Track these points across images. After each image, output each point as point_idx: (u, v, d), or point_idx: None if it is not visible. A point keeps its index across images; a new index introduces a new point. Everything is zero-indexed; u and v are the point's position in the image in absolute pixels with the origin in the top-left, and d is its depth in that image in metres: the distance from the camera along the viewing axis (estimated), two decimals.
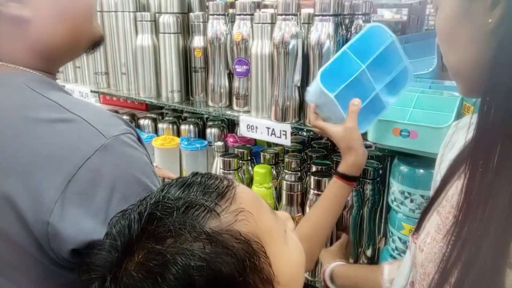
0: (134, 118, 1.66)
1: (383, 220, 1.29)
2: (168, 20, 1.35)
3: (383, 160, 1.32)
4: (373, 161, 1.28)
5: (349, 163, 0.87)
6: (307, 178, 1.26)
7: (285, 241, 0.52)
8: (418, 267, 0.61)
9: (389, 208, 1.13)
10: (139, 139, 0.60)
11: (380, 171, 1.27)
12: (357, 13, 1.24)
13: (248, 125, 1.21)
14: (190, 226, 0.43)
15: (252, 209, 0.48)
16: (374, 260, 1.29)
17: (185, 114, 1.68)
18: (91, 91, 1.63)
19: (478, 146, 0.49)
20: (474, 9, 0.50)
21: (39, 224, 0.50)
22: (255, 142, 1.52)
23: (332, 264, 0.99)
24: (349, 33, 1.17)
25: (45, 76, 0.60)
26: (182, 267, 0.41)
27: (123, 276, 0.42)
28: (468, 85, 0.56)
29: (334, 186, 0.96)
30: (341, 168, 0.91)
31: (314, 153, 1.34)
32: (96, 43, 0.67)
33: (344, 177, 0.93)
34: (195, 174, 0.51)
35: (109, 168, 0.52)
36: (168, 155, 1.48)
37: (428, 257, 0.58)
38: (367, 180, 1.22)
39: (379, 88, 0.97)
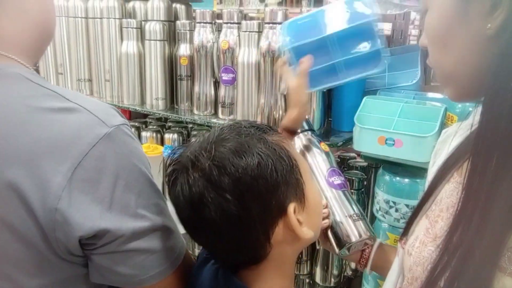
0: None
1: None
2: (154, 27, 1.35)
3: (368, 171, 1.33)
4: (357, 171, 1.28)
5: (291, 117, 0.88)
6: None
7: (311, 177, 0.63)
8: (406, 272, 0.60)
9: (374, 218, 1.13)
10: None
11: (365, 182, 1.27)
12: None
13: None
14: (256, 134, 0.59)
15: (288, 143, 0.61)
16: (358, 273, 1.28)
17: (169, 124, 1.66)
18: None
19: (477, 153, 0.47)
20: (471, 12, 0.48)
21: (46, 211, 0.50)
22: None
23: (377, 242, 0.85)
24: None
25: (32, 70, 0.59)
26: (257, 150, 0.56)
27: (216, 149, 0.55)
28: (460, 90, 0.55)
29: None
30: (284, 122, 0.90)
31: None
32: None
33: (287, 130, 0.92)
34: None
35: (113, 156, 0.53)
36: (152, 163, 1.45)
37: (417, 261, 0.57)
38: (352, 191, 1.22)
39: (339, 58, 0.93)
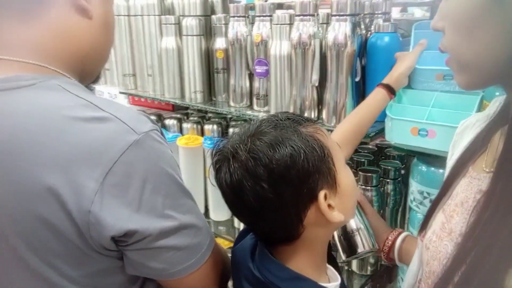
0: (160, 118, 1.71)
1: (406, 221, 1.28)
2: (190, 23, 1.39)
3: (405, 161, 1.31)
4: (394, 161, 1.26)
5: (393, 76, 1.01)
6: None
7: (345, 165, 0.67)
8: (424, 265, 0.61)
9: (409, 209, 1.12)
10: (162, 134, 0.66)
11: (402, 171, 1.26)
12: (377, 12, 1.24)
13: None
14: (290, 127, 0.63)
15: (323, 134, 0.65)
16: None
17: (209, 114, 1.71)
18: (120, 92, 1.69)
19: (508, 154, 0.47)
20: (506, 3, 0.47)
21: (81, 213, 0.55)
22: None
23: (402, 235, 0.90)
24: (369, 32, 1.17)
25: (73, 81, 0.65)
26: (290, 142, 0.60)
27: (253, 142, 0.61)
28: (475, 79, 0.53)
29: (377, 94, 1.01)
30: (385, 80, 1.02)
31: None
32: (97, 77, 0.76)
33: (387, 87, 1.01)
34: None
35: (141, 162, 0.58)
36: (192, 154, 1.52)
37: (433, 255, 0.58)
38: (388, 180, 1.21)
39: None
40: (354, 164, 1.27)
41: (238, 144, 0.62)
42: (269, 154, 0.59)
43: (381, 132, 1.08)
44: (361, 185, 1.17)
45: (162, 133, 0.65)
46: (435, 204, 0.63)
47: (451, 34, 0.53)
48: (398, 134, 1.00)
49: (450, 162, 0.67)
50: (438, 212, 0.62)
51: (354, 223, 0.86)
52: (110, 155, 0.55)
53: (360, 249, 0.85)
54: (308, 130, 0.64)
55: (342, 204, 0.64)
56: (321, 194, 0.61)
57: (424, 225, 0.64)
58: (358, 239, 0.85)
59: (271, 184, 0.59)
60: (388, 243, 0.87)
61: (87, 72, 0.71)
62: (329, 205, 0.62)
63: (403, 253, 0.85)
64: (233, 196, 0.64)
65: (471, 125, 0.66)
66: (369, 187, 1.16)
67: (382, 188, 1.21)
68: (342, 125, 1.01)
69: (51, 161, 0.55)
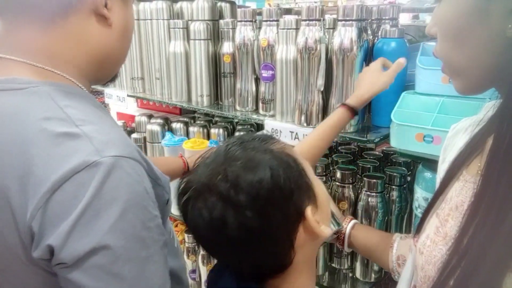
0: (167, 122, 1.72)
1: (411, 228, 1.26)
2: (198, 27, 1.40)
3: (411, 167, 1.29)
4: (400, 167, 1.25)
5: (363, 98, 0.98)
6: (332, 183, 1.26)
7: (314, 175, 0.65)
8: (418, 270, 0.60)
9: (414, 215, 1.11)
10: (144, 167, 0.60)
11: (408, 178, 1.24)
12: (384, 17, 1.24)
13: (272, 129, 1.23)
14: (260, 146, 0.61)
15: (290, 148, 0.63)
16: None
17: (216, 119, 1.72)
18: (128, 95, 1.71)
19: (495, 155, 0.48)
20: (492, 11, 0.48)
21: (24, 226, 0.54)
22: None
23: (352, 222, 0.97)
24: (376, 37, 1.16)
25: (75, 87, 0.65)
26: (266, 162, 0.58)
27: (228, 169, 0.57)
28: (468, 84, 0.54)
29: (341, 115, 0.99)
30: (352, 101, 0.99)
31: (340, 158, 1.34)
32: (115, 76, 0.75)
33: (351, 108, 0.99)
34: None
35: (94, 186, 0.53)
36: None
37: (428, 260, 0.57)
38: (394, 187, 1.20)
39: None
40: (360, 170, 1.26)
41: (211, 175, 0.58)
42: (249, 178, 0.56)
43: (386, 138, 1.07)
44: (366, 191, 1.16)
45: (144, 166, 0.60)
46: (429, 208, 0.63)
47: (442, 40, 0.55)
48: (403, 140, 0.99)
49: (443, 166, 0.67)
50: (432, 216, 0.61)
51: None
52: (63, 172, 0.53)
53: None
54: (277, 147, 0.62)
55: (323, 216, 0.62)
56: (308, 210, 0.59)
57: (418, 230, 0.64)
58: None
59: (257, 210, 0.56)
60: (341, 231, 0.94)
61: (105, 74, 0.72)
62: (316, 221, 0.60)
63: (351, 239, 0.93)
64: (212, 234, 0.58)
65: (463, 129, 0.66)
66: (373, 193, 1.15)
67: (388, 195, 1.20)
68: (301, 146, 0.98)
69: (13, 169, 0.55)
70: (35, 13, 0.61)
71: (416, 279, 0.62)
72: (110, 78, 0.75)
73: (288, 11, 1.65)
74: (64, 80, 0.64)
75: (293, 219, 0.59)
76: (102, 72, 0.70)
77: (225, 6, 1.53)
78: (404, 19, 1.32)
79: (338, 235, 0.94)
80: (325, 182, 1.26)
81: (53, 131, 0.56)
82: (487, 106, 0.60)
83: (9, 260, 0.58)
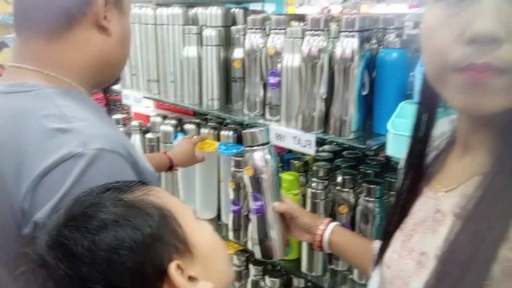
0: (180, 123, 1.79)
1: None
2: (210, 33, 1.46)
3: None
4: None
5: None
6: (334, 187, 1.29)
7: (197, 220, 0.60)
8: (387, 285, 0.62)
9: None
10: (132, 163, 0.67)
11: None
12: (389, 27, 1.27)
13: (276, 133, 1.28)
14: (109, 198, 0.54)
15: (157, 194, 0.58)
16: None
17: (227, 121, 1.77)
18: (144, 97, 1.79)
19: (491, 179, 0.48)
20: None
21: (18, 207, 0.62)
22: (289, 150, 1.57)
23: (332, 224, 0.98)
24: (381, 47, 1.19)
25: (74, 90, 0.73)
26: (111, 217, 0.51)
27: (60, 237, 0.50)
28: None
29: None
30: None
31: (343, 163, 1.37)
32: (116, 80, 0.84)
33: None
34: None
35: (76, 173, 0.61)
36: (207, 158, 1.59)
37: (395, 274, 0.59)
38: (393, 193, 1.23)
39: None
40: (361, 176, 1.29)
41: (44, 247, 0.49)
42: (86, 244, 0.48)
43: (384, 145, 1.10)
44: (364, 196, 1.19)
45: (128, 160, 0.66)
46: (392, 223, 0.64)
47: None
48: (398, 149, 1.02)
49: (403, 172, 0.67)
50: (396, 230, 0.63)
51: (273, 233, 1.00)
52: (51, 160, 0.61)
53: (275, 258, 1.04)
54: (136, 195, 0.55)
55: (208, 270, 0.54)
56: (172, 268, 0.50)
57: (383, 246, 0.65)
58: (275, 247, 1.02)
59: (100, 281, 0.47)
60: (318, 234, 0.97)
61: (107, 78, 0.82)
62: (191, 277, 0.52)
63: (332, 244, 0.96)
64: None
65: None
66: (372, 199, 1.18)
67: (387, 201, 1.23)
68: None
69: (9, 153, 0.63)
70: (44, 27, 0.70)
71: None
72: (112, 81, 0.83)
73: (301, 18, 1.69)
74: (65, 84, 0.72)
75: (152, 280, 0.49)
76: (104, 76, 0.79)
77: (239, 12, 1.59)
78: (408, 27, 1.34)
79: (314, 239, 0.97)
80: (326, 186, 1.30)
81: (48, 126, 0.64)
82: (443, 122, 0.62)
83: (3, 239, 0.65)
